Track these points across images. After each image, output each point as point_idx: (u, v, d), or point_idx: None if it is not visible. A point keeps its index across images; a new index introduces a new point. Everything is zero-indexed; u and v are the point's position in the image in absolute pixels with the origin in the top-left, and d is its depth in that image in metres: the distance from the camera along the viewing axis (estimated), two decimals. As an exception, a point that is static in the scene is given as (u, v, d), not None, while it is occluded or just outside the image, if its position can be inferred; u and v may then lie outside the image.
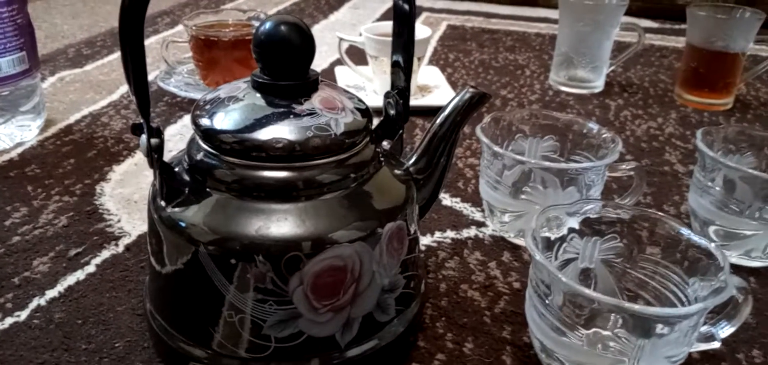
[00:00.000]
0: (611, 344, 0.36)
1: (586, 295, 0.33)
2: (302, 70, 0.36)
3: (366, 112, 0.37)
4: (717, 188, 0.49)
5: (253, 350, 0.34)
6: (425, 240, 0.52)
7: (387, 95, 0.41)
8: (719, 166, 0.48)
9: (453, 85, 0.86)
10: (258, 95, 0.36)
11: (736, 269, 0.49)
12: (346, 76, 0.83)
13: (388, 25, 0.82)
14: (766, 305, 0.46)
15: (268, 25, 0.35)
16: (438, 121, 0.42)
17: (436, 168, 0.42)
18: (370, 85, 0.79)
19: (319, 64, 0.92)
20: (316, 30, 1.13)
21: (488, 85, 0.88)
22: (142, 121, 0.34)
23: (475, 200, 0.58)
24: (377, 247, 0.34)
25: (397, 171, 0.39)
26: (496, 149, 0.49)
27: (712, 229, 0.50)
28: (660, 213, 0.40)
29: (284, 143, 0.33)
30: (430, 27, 1.16)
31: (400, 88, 0.40)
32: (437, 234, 0.52)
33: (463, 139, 0.70)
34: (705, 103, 0.83)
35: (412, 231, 0.38)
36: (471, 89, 0.42)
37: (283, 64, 0.35)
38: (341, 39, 0.78)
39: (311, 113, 0.35)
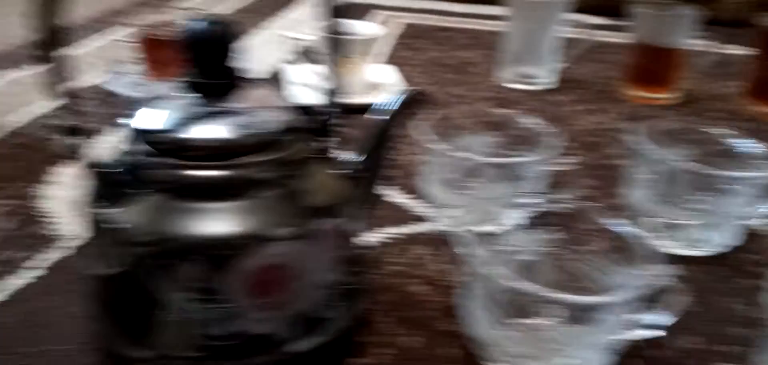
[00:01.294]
0: (547, 333, 0.37)
1: (519, 287, 0.34)
2: (233, 68, 0.36)
3: (302, 109, 0.37)
4: (655, 181, 0.50)
5: (194, 350, 0.34)
6: (372, 237, 0.52)
7: (319, 94, 0.41)
8: (657, 160, 0.50)
9: (404, 83, 0.86)
10: (192, 94, 0.36)
11: (678, 259, 0.51)
12: (296, 74, 0.83)
13: (343, 24, 0.82)
14: (707, 293, 0.47)
15: (193, 24, 0.34)
16: (377, 120, 0.43)
17: (377, 166, 0.43)
18: (320, 83, 0.79)
19: (270, 62, 0.92)
20: (270, 28, 1.13)
21: (441, 83, 0.89)
22: (71, 122, 0.33)
23: (421, 196, 0.58)
24: (316, 244, 0.35)
25: (336, 168, 0.39)
26: (441, 145, 0.49)
27: (652, 221, 0.52)
28: (597, 205, 0.41)
29: (217, 142, 0.33)
30: (388, 25, 1.17)
31: (333, 87, 0.40)
32: (384, 230, 0.53)
33: (410, 136, 0.71)
34: (650, 97, 0.85)
35: (353, 228, 0.39)
36: (410, 89, 0.43)
37: (214, 63, 0.35)
38: (290, 37, 0.78)
39: (245, 111, 0.35)
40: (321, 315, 0.37)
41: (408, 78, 0.90)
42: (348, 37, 0.77)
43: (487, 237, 0.41)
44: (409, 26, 1.18)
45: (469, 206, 0.50)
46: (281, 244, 0.33)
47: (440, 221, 0.54)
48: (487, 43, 1.09)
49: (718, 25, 1.13)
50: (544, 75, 0.88)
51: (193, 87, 0.36)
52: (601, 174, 0.64)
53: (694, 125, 0.55)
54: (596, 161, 0.67)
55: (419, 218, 0.55)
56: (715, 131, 0.54)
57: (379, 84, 0.82)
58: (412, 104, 0.43)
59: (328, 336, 0.37)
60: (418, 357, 0.40)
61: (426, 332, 0.42)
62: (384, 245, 0.51)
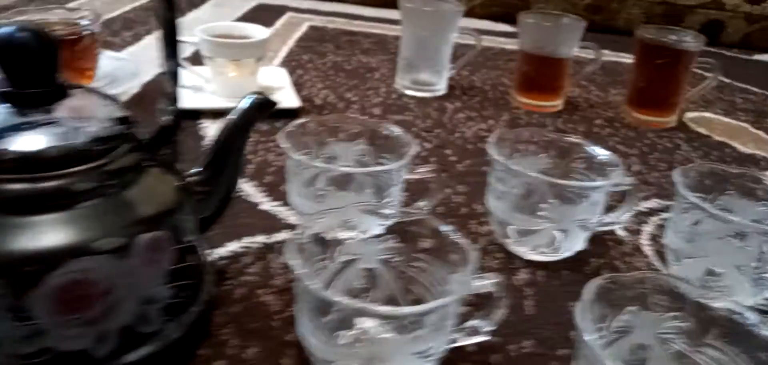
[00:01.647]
0: (371, 343, 0.38)
1: (329, 299, 0.34)
2: (47, 77, 0.35)
3: (124, 119, 0.37)
4: (509, 190, 0.52)
5: (0, 369, 0.33)
6: (232, 246, 0.51)
7: (158, 102, 0.40)
8: (504, 168, 0.51)
9: (298, 87, 0.86)
10: (5, 104, 0.34)
11: (529, 264, 0.53)
12: (184, 77, 0.81)
13: (225, 26, 0.81)
14: (547, 296, 0.49)
15: (6, 31, 0.33)
16: (223, 128, 0.42)
17: (222, 176, 0.42)
18: (208, 86, 0.78)
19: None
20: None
21: (335, 87, 0.89)
22: None
23: (288, 204, 0.58)
24: (131, 258, 0.34)
25: (168, 180, 0.39)
26: (296, 156, 0.49)
27: (509, 228, 0.54)
28: (429, 215, 0.42)
29: (23, 154, 0.32)
30: (291, 28, 1.16)
31: (170, 96, 0.40)
32: (246, 240, 0.52)
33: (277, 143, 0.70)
34: (536, 105, 0.88)
35: (183, 240, 0.38)
36: (255, 96, 0.43)
37: (25, 72, 0.34)
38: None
39: (56, 122, 0.34)
40: (146, 329, 0.36)
41: (302, 82, 0.89)
42: (238, 40, 0.77)
43: (335, 245, 0.42)
44: (313, 29, 1.17)
45: (329, 214, 0.50)
46: (91, 258, 0.32)
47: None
48: (390, 48, 1.10)
49: (603, 33, 1.19)
50: (436, 82, 0.90)
51: (6, 97, 0.34)
52: (472, 181, 0.66)
53: (546, 133, 0.57)
54: (470, 168, 0.69)
55: (289, 226, 0.55)
56: (567, 139, 0.56)
57: (270, 87, 0.81)
58: (258, 111, 0.43)
59: (154, 348, 0.36)
60: (250, 368, 0.39)
61: (264, 342, 0.42)
62: (242, 254, 0.50)
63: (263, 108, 0.42)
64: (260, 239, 0.53)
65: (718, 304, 0.37)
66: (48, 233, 0.32)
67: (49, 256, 0.31)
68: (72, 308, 0.33)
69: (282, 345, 0.42)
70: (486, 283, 0.38)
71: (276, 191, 0.60)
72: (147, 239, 0.35)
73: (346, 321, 0.36)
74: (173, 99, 0.39)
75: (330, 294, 0.34)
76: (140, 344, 0.36)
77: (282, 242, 0.52)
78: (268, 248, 0.52)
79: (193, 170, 0.41)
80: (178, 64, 0.39)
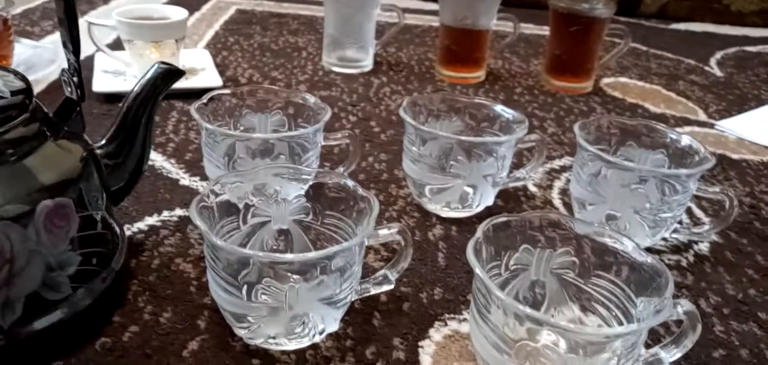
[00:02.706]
0: (279, 294, 0.39)
1: (233, 252, 0.35)
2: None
3: (23, 91, 0.37)
4: (422, 152, 0.54)
5: None
6: (151, 220, 0.52)
7: (62, 74, 0.41)
8: (421, 131, 0.53)
9: (223, 68, 0.86)
10: None
11: (443, 221, 0.55)
12: (104, 62, 0.80)
13: (143, 9, 0.80)
14: (458, 250, 0.52)
15: None
16: (129, 99, 0.43)
17: (133, 146, 0.43)
18: (130, 70, 0.78)
19: (85, 50, 0.88)
20: (93, 16, 1.08)
21: (261, 67, 0.90)
22: None
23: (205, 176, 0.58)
24: (30, 225, 0.34)
25: (71, 149, 0.39)
26: (208, 126, 0.50)
27: (426, 189, 0.56)
28: (339, 175, 0.44)
29: None
30: (218, 11, 1.15)
31: (74, 67, 0.40)
32: (165, 213, 0.53)
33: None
34: (459, 77, 0.91)
35: (89, 209, 0.38)
36: (162, 65, 0.43)
37: None
38: (91, 24, 0.75)
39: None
40: (54, 296, 0.36)
41: (227, 63, 0.89)
42: (157, 21, 0.76)
43: (247, 209, 0.43)
44: (240, 12, 1.17)
45: (241, 177, 0.51)
46: (-10, 226, 0.33)
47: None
48: (319, 28, 1.11)
49: (518, 7, 1.22)
50: (362, 58, 0.91)
51: None
52: (393, 149, 0.67)
53: (456, 97, 0.59)
54: (393, 137, 0.71)
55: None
56: (474, 101, 0.59)
57: (192, 69, 0.81)
58: (165, 81, 0.43)
59: (63, 315, 0.37)
60: (163, 331, 0.40)
61: (179, 306, 0.42)
62: (160, 227, 0.51)
63: (168, 77, 0.43)
64: (179, 213, 0.53)
65: (603, 239, 0.40)
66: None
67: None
68: (-28, 276, 0.33)
69: (198, 308, 0.42)
70: (390, 231, 0.40)
71: (195, 167, 0.61)
72: (49, 205, 0.35)
73: (257, 277, 0.37)
74: (75, 70, 0.39)
75: (229, 247, 0.35)
76: (49, 311, 0.36)
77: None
78: (187, 220, 0.52)
79: (102, 142, 0.42)
80: (77, 34, 0.39)
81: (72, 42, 0.39)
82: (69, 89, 0.40)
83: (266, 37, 1.03)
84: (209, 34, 1.02)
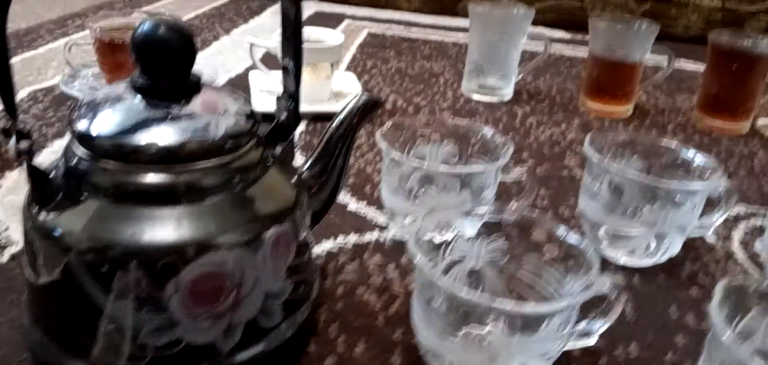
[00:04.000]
0: (487, 342, 0.37)
1: (459, 296, 0.34)
2: (182, 72, 0.35)
3: (251, 115, 0.37)
4: (604, 192, 0.51)
5: (131, 359, 0.33)
6: (327, 245, 0.52)
7: (278, 99, 0.41)
8: (604, 170, 0.51)
9: (368, 92, 0.86)
10: (137, 97, 0.35)
11: (622, 268, 0.52)
12: (261, 81, 0.82)
13: (309, 32, 0.82)
14: (646, 301, 0.48)
15: (146, 26, 0.34)
16: (333, 125, 0.43)
17: (332, 173, 0.43)
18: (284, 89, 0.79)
19: (234, 69, 0.91)
20: (235, 35, 1.12)
21: (402, 92, 0.89)
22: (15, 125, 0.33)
23: (380, 205, 0.58)
24: (260, 252, 0.34)
25: (286, 175, 0.39)
26: (394, 154, 0.49)
27: (601, 231, 0.53)
28: (540, 214, 0.42)
29: (160, 147, 0.33)
30: (351, 34, 1.17)
31: (291, 93, 0.40)
32: (340, 238, 0.53)
33: (372, 144, 0.71)
34: (606, 110, 0.87)
35: (302, 236, 0.38)
36: (366, 94, 0.43)
37: (162, 66, 0.34)
38: (253, 44, 0.78)
39: (190, 116, 0.34)
40: (263, 325, 0.36)
41: (370, 87, 0.90)
42: (314, 45, 0.78)
43: (437, 246, 0.42)
44: (372, 35, 1.18)
45: (423, 214, 0.50)
46: (224, 251, 0.33)
47: (393, 230, 0.54)
48: (450, 54, 1.10)
49: (672, 40, 1.17)
50: (503, 86, 0.89)
51: (142, 90, 0.35)
52: (554, 185, 0.65)
53: (640, 137, 0.56)
54: (550, 172, 0.68)
55: (378, 227, 0.55)
56: (662, 143, 0.55)
57: (342, 92, 0.82)
58: (368, 109, 0.43)
59: (270, 345, 0.37)
60: (361, 366, 0.39)
61: (370, 340, 0.42)
62: (337, 252, 0.51)
63: (372, 107, 0.43)
64: (352, 239, 0.53)
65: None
66: (182, 225, 0.33)
67: (187, 248, 0.32)
68: (205, 300, 0.33)
69: (390, 344, 0.41)
70: (604, 285, 0.38)
71: (360, 191, 0.61)
72: (276, 232, 0.35)
73: (466, 320, 0.36)
74: (293, 96, 0.40)
75: (465, 292, 0.34)
76: (260, 339, 0.36)
77: (379, 241, 0.53)
78: (361, 247, 0.52)
79: (306, 166, 0.42)
80: (299, 63, 0.39)
81: (295, 68, 0.39)
82: (284, 115, 0.40)
83: (402, 62, 1.03)
84: (347, 56, 1.04)
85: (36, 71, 0.86)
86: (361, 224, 0.55)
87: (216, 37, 1.08)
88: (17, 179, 0.58)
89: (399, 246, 0.52)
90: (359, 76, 0.91)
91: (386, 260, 0.50)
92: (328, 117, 0.74)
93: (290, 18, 0.38)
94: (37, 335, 0.36)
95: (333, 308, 0.44)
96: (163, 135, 0.33)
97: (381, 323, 0.43)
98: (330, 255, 0.50)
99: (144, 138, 0.33)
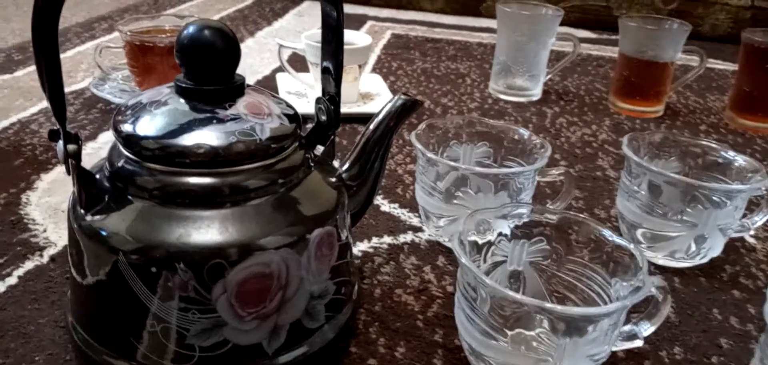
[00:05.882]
0: (535, 344, 0.37)
1: (509, 297, 0.34)
2: (227, 74, 0.35)
3: (294, 117, 0.37)
4: (642, 192, 0.50)
5: (177, 360, 0.33)
6: (362, 246, 0.52)
7: (318, 101, 0.41)
8: (644, 171, 0.50)
9: (394, 93, 0.86)
10: (181, 100, 0.35)
11: (662, 270, 0.51)
12: (288, 83, 0.82)
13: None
14: (688, 304, 0.48)
15: (191, 29, 0.34)
16: (371, 127, 0.42)
17: (370, 174, 0.42)
18: (312, 92, 0.79)
19: (261, 70, 0.92)
20: (260, 37, 1.12)
21: (429, 93, 0.89)
22: (58, 126, 0.33)
23: (413, 206, 0.58)
24: (305, 253, 0.34)
25: (328, 177, 0.39)
26: (430, 155, 0.49)
27: (639, 232, 0.52)
28: (585, 216, 0.41)
29: (207, 149, 0.33)
30: (375, 35, 1.17)
31: (331, 94, 0.40)
32: (374, 240, 0.53)
33: (402, 146, 0.71)
34: (637, 110, 0.86)
35: (344, 237, 0.38)
36: (403, 96, 0.43)
37: (207, 69, 0.34)
38: (281, 46, 0.78)
39: (236, 118, 0.34)
40: (308, 326, 0.36)
41: (396, 88, 0.90)
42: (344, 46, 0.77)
43: (473, 247, 0.41)
44: (396, 36, 1.18)
45: (460, 215, 0.50)
46: (269, 253, 0.33)
47: (432, 231, 0.53)
48: (476, 54, 1.10)
49: (704, 39, 1.15)
50: (532, 87, 0.89)
51: (187, 93, 0.35)
52: (588, 186, 0.64)
53: (679, 137, 0.55)
54: (583, 173, 0.67)
55: (412, 228, 0.55)
56: (701, 143, 0.54)
57: (369, 93, 0.82)
58: (406, 111, 0.43)
59: (314, 346, 0.37)
60: (404, 368, 0.39)
61: (411, 342, 0.41)
62: (372, 254, 0.51)
63: (411, 108, 0.42)
64: (387, 240, 0.53)
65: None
66: (227, 227, 0.33)
67: (235, 250, 0.32)
68: (252, 301, 0.33)
69: (431, 345, 0.41)
70: (652, 286, 0.37)
71: (393, 193, 0.60)
72: (321, 233, 0.35)
73: (510, 322, 0.36)
74: (334, 98, 0.40)
75: (509, 294, 0.33)
76: (304, 340, 0.36)
77: (414, 243, 0.52)
78: (396, 249, 0.52)
79: (344, 167, 0.41)
80: (340, 65, 0.39)
81: (335, 70, 0.39)
82: (324, 117, 0.40)
83: (427, 63, 1.03)
84: (372, 58, 1.03)
85: (66, 74, 0.87)
86: (395, 226, 0.55)
87: (241, 40, 1.08)
88: (53, 181, 0.59)
89: (434, 247, 0.52)
90: (385, 78, 0.91)
91: (422, 261, 0.50)
92: (355, 119, 0.74)
93: (331, 20, 0.38)
94: (82, 335, 0.36)
95: (372, 309, 0.44)
96: (208, 137, 0.33)
97: (421, 324, 0.43)
98: (366, 256, 0.50)
99: (190, 140, 0.33)
